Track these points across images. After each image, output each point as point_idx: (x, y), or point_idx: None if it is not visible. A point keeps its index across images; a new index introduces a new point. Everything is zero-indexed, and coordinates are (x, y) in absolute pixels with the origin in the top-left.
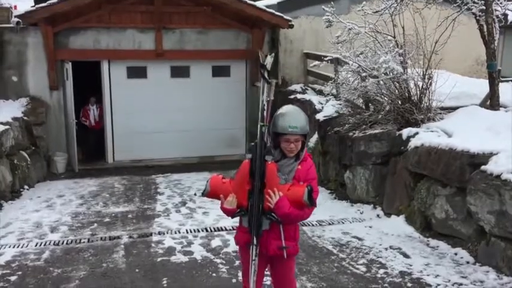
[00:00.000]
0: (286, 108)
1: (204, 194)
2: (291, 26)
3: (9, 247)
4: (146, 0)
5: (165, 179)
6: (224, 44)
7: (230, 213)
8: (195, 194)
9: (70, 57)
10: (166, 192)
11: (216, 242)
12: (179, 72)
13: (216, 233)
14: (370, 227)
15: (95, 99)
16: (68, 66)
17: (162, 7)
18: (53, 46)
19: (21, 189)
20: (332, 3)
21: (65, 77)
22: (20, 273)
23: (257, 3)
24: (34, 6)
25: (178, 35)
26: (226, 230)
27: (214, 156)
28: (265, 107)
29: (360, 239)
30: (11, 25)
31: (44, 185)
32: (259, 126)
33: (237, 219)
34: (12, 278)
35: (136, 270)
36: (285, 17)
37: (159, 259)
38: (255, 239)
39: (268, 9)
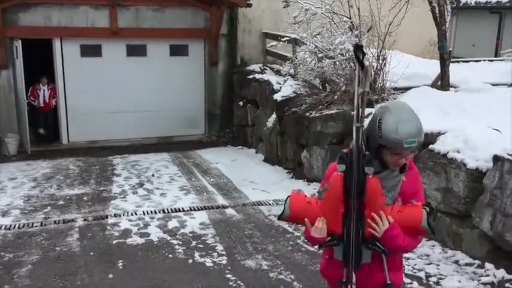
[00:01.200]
0: (398, 111)
1: (281, 218)
2: (249, 5)
3: None
4: None
5: (122, 160)
6: (182, 23)
7: (319, 242)
8: (152, 175)
9: (19, 35)
10: (123, 173)
11: (173, 223)
12: (135, 51)
13: (173, 214)
14: None
15: (46, 79)
16: (18, 44)
17: None
18: (1, 23)
19: None
20: None
21: (14, 55)
22: None
23: None
24: None
25: (133, 12)
26: (183, 211)
27: (172, 137)
28: (361, 102)
29: None
30: None
31: None
32: (354, 127)
33: (192, 198)
34: None
35: (91, 253)
36: None
37: (114, 241)
38: (353, 275)
39: None
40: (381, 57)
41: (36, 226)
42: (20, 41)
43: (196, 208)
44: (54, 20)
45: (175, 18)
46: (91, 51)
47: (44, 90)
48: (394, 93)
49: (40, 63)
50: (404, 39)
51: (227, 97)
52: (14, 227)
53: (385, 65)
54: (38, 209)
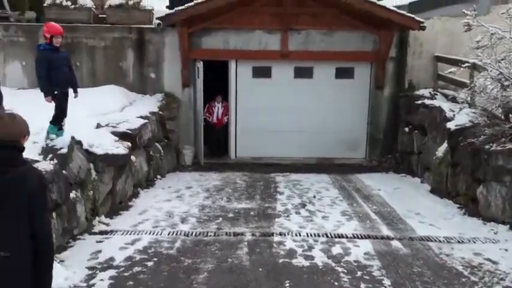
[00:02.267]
0: None
1: None
2: (423, 28)
3: (146, 233)
4: (275, 2)
5: (284, 178)
6: (349, 46)
7: None
8: (314, 197)
9: (202, 57)
10: (286, 192)
11: (336, 249)
12: (303, 72)
13: (336, 239)
14: (506, 249)
15: (221, 98)
16: (200, 65)
17: (290, 8)
18: (187, 46)
19: (155, 179)
20: (474, 6)
21: (196, 75)
22: (155, 259)
23: (386, 4)
24: (169, 6)
25: (303, 36)
26: (347, 237)
27: (332, 159)
28: None
29: (494, 262)
30: (152, 26)
31: (174, 176)
32: None
33: (355, 225)
34: (149, 264)
35: (260, 269)
36: (416, 18)
37: (281, 260)
38: None
39: (398, 10)
40: None
41: (210, 236)
42: (201, 62)
43: (359, 236)
44: (231, 44)
45: (343, 41)
46: (262, 73)
47: (218, 108)
48: None
49: (215, 82)
50: None
51: (391, 122)
52: (192, 234)
53: None
54: (211, 219)
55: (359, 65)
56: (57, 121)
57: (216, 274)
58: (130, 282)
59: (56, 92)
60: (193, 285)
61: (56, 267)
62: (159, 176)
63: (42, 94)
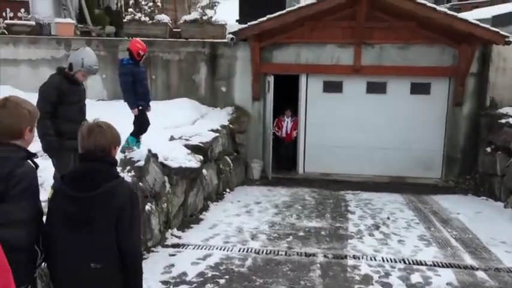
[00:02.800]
0: None
1: None
2: (508, 43)
3: (217, 249)
4: (348, 16)
5: (354, 197)
6: (426, 60)
7: None
8: (388, 218)
9: (272, 71)
10: (357, 211)
11: (416, 278)
12: (375, 88)
13: (415, 266)
14: None
15: (290, 112)
16: (270, 79)
17: (364, 22)
18: (259, 60)
19: (224, 192)
20: None
21: (266, 89)
22: (227, 277)
23: (467, 17)
24: (238, 20)
25: (377, 50)
26: (426, 265)
27: (405, 178)
28: None
29: None
30: (225, 40)
31: (242, 190)
32: None
33: (434, 252)
34: (221, 281)
35: None
36: (501, 32)
37: (356, 286)
38: None
39: (481, 24)
40: None
41: (281, 255)
42: (272, 77)
43: (440, 264)
44: (302, 58)
45: (419, 55)
46: (333, 87)
47: (287, 122)
48: None
49: (284, 97)
50: None
51: (471, 141)
52: (262, 252)
53: None
54: (281, 237)
55: (436, 81)
56: (138, 133)
57: None
58: None
59: (140, 107)
60: None
61: None
62: (228, 190)
63: (124, 105)
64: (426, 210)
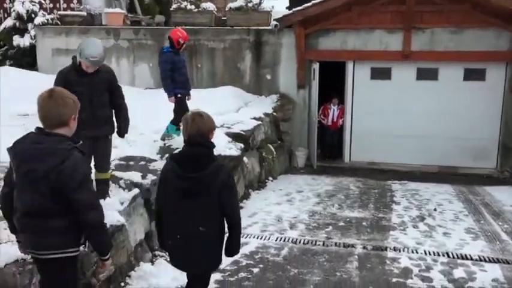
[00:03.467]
0: None
1: None
2: None
3: (254, 237)
4: (397, 0)
5: (401, 187)
6: (481, 44)
7: None
8: (435, 210)
9: (318, 58)
10: (403, 202)
11: (459, 273)
12: (426, 74)
13: (459, 261)
14: None
15: (337, 100)
16: (316, 66)
17: (414, 6)
18: (304, 47)
19: (266, 180)
20: None
21: (311, 76)
22: (261, 266)
23: None
24: (289, 7)
25: (428, 35)
26: (471, 259)
27: (457, 168)
28: None
29: None
30: (269, 27)
31: (285, 178)
32: None
33: (481, 246)
34: (255, 270)
35: (370, 287)
36: None
37: (394, 279)
38: None
39: None
40: None
41: (319, 245)
42: (317, 64)
43: (487, 259)
44: (349, 44)
45: (474, 40)
46: (381, 74)
47: (334, 110)
48: None
49: (330, 84)
50: None
51: None
52: (300, 242)
53: None
54: (320, 227)
55: (492, 66)
56: (178, 122)
57: None
58: None
59: (179, 95)
60: None
61: (166, 267)
62: (270, 178)
63: (165, 94)
64: (477, 202)
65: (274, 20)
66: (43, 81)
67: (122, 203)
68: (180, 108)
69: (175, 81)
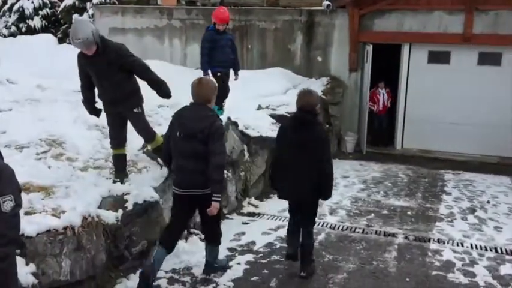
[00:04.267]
0: None
1: None
2: None
3: None
4: None
5: (454, 177)
6: None
7: None
8: (488, 202)
9: (372, 40)
10: (454, 192)
11: (506, 269)
12: (488, 59)
13: (508, 257)
14: None
15: (383, 83)
16: (369, 48)
17: None
18: (357, 28)
19: None
20: None
21: (364, 59)
22: None
23: None
24: None
25: (492, 17)
26: None
27: None
28: None
29: None
30: (322, 8)
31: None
32: None
33: None
34: None
35: (407, 279)
36: None
37: (433, 272)
38: None
39: None
40: None
41: (358, 232)
42: (371, 46)
43: None
44: (406, 26)
45: None
46: (439, 58)
47: (383, 94)
48: None
49: (378, 68)
50: None
51: None
52: (338, 228)
53: None
54: (362, 214)
55: None
56: (219, 100)
57: (356, 276)
58: (265, 271)
59: (219, 74)
60: (328, 284)
61: (199, 244)
62: None
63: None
64: None
65: (326, 0)
66: None
67: (157, 180)
68: (220, 87)
69: (214, 60)
